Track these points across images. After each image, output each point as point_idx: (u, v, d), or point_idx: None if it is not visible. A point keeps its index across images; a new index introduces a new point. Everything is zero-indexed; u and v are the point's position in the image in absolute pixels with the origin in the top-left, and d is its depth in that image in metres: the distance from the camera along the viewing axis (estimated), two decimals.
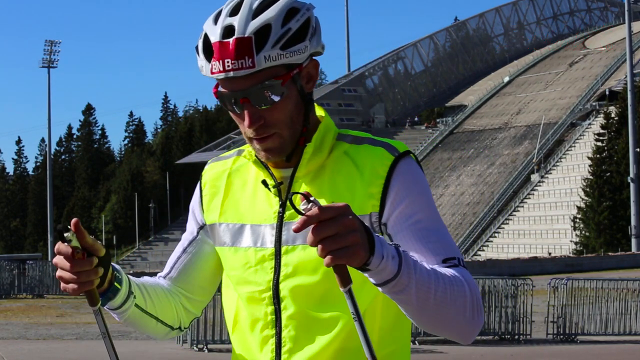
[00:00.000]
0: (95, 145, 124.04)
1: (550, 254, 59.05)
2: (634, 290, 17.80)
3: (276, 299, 1.94)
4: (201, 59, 1.90)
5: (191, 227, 2.15)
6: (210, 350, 14.58)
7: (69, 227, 1.77)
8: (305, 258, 1.91)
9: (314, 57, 1.94)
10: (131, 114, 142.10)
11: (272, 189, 1.97)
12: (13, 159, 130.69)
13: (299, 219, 1.59)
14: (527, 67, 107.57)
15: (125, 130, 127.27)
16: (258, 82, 1.84)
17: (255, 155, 1.99)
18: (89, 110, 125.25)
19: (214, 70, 1.85)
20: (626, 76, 67.21)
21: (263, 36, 1.84)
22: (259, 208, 1.99)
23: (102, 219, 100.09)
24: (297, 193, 1.63)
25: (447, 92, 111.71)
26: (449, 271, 1.80)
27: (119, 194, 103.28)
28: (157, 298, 2.06)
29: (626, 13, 65.32)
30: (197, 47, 1.91)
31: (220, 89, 1.89)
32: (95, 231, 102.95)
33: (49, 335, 16.65)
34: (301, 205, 1.60)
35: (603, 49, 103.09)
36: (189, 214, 2.17)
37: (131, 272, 56.37)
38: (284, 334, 1.93)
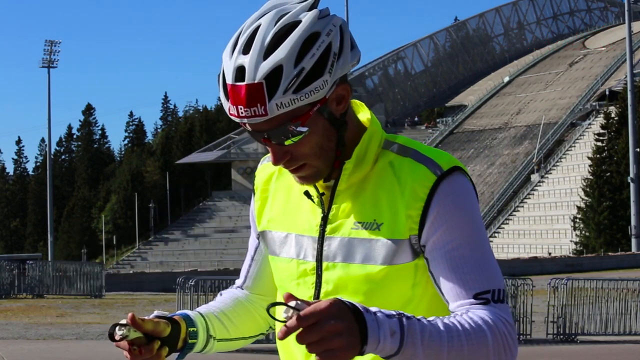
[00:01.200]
0: (95, 145, 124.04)
1: (550, 254, 59.07)
2: (634, 290, 17.79)
3: None
4: (221, 94, 1.83)
5: (253, 234, 2.14)
6: None
7: (123, 323, 1.78)
8: (345, 277, 1.88)
9: (343, 78, 1.83)
10: (131, 114, 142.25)
11: (315, 200, 1.93)
12: (13, 159, 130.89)
13: (281, 328, 1.56)
14: (527, 67, 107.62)
15: (125, 130, 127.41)
16: (276, 125, 1.77)
17: None
18: (89, 110, 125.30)
19: (231, 112, 1.79)
20: (626, 76, 67.21)
21: (274, 81, 1.73)
22: (303, 217, 1.95)
23: (102, 219, 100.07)
24: (276, 304, 1.59)
25: (447, 92, 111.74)
26: (472, 317, 1.75)
27: (119, 194, 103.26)
28: (240, 319, 2.09)
29: (626, 13, 65.31)
30: (218, 77, 1.85)
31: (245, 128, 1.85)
32: (95, 231, 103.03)
33: (49, 335, 16.64)
34: (283, 313, 1.57)
35: (603, 49, 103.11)
36: (250, 219, 2.16)
37: (131, 272, 56.25)
38: None
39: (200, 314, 2.00)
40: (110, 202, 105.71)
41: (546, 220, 73.04)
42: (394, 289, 1.71)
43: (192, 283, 16.15)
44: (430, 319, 1.70)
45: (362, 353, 1.59)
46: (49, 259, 65.58)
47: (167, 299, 26.08)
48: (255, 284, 2.15)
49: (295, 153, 1.82)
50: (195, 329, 1.95)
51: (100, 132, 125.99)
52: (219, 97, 1.86)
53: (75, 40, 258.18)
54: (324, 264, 1.90)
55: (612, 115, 70.55)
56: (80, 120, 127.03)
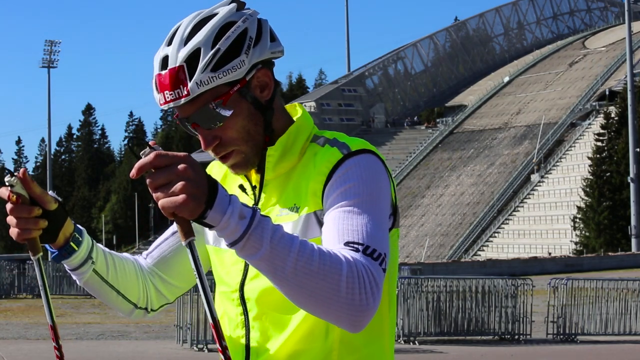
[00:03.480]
0: (95, 145, 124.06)
1: (550, 254, 59.05)
2: (634, 290, 17.81)
3: (242, 300, 1.98)
4: (153, 90, 1.94)
5: None
6: (210, 350, 14.58)
7: (15, 173, 1.81)
8: None
9: (264, 65, 1.93)
10: (131, 114, 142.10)
11: (248, 193, 2.02)
12: (13, 159, 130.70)
13: (136, 164, 1.62)
14: (527, 67, 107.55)
15: (125, 130, 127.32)
16: (200, 106, 1.88)
17: None
18: (89, 110, 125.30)
19: (160, 102, 1.90)
20: (626, 76, 67.21)
21: (193, 62, 1.86)
22: None
23: (102, 219, 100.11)
24: (144, 142, 1.65)
25: (447, 92, 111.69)
26: (334, 250, 1.74)
27: (119, 194, 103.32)
28: (123, 271, 2.11)
29: (626, 13, 65.33)
30: (152, 82, 1.97)
31: (177, 118, 1.94)
32: (95, 231, 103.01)
33: (49, 336, 16.62)
34: (142, 152, 1.62)
35: (603, 49, 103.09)
36: None
37: None
38: (251, 334, 1.98)
39: (91, 238, 2.05)
40: (110, 202, 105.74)
41: (546, 220, 73.01)
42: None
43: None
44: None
45: (204, 217, 1.62)
46: (49, 259, 65.59)
47: None
48: (161, 258, 2.18)
49: (224, 138, 1.92)
50: (80, 239, 2.00)
51: (100, 132, 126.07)
52: None
53: (75, 40, 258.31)
54: None
55: (612, 115, 70.53)
56: (80, 120, 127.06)
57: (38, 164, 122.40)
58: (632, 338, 17.21)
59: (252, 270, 1.96)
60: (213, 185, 1.63)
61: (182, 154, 1.63)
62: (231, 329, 2.01)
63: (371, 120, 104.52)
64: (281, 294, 1.87)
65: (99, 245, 2.09)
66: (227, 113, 1.89)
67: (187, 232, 1.64)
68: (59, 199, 1.92)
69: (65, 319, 20.12)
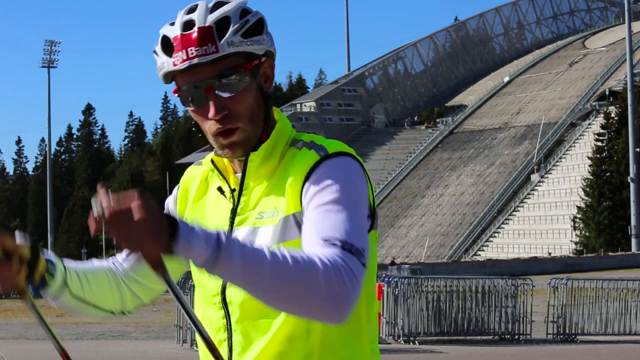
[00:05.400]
0: (95, 145, 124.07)
1: (550, 254, 59.06)
2: (634, 290, 17.80)
3: (224, 304, 1.99)
4: (161, 58, 1.93)
5: None
6: None
7: None
8: None
9: (269, 57, 2.00)
10: (131, 114, 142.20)
11: (227, 196, 2.03)
12: (13, 159, 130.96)
13: (89, 221, 1.65)
14: (527, 67, 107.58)
15: (125, 130, 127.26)
16: (221, 69, 1.90)
17: (214, 157, 2.06)
18: (89, 110, 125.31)
19: (176, 62, 1.90)
20: (626, 76, 67.24)
21: (223, 25, 1.91)
22: (219, 213, 2.04)
23: None
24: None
25: (447, 92, 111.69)
26: (308, 249, 1.78)
27: (118, 194, 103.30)
28: (97, 285, 2.13)
29: (626, 13, 65.39)
30: (154, 51, 1.96)
31: (183, 85, 1.93)
32: None
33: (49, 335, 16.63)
34: (97, 203, 1.64)
35: (603, 49, 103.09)
36: (166, 205, 2.20)
37: None
38: (234, 337, 1.98)
39: (60, 260, 2.07)
40: None
41: (546, 220, 73.04)
42: None
43: (192, 283, 16.18)
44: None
45: (171, 251, 1.64)
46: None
47: (167, 299, 26.06)
48: (137, 264, 2.16)
49: (232, 110, 1.93)
50: (53, 270, 2.02)
51: (100, 132, 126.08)
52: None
53: (75, 40, 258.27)
54: None
55: (612, 115, 70.58)
56: (80, 120, 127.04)
57: (38, 164, 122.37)
58: (632, 338, 17.20)
59: None
60: (173, 220, 1.65)
61: (131, 194, 1.64)
62: (212, 332, 2.01)
63: (371, 120, 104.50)
64: None
65: (71, 266, 2.10)
66: (244, 83, 1.92)
67: (154, 264, 1.68)
68: (28, 241, 1.93)
69: (65, 319, 20.12)
